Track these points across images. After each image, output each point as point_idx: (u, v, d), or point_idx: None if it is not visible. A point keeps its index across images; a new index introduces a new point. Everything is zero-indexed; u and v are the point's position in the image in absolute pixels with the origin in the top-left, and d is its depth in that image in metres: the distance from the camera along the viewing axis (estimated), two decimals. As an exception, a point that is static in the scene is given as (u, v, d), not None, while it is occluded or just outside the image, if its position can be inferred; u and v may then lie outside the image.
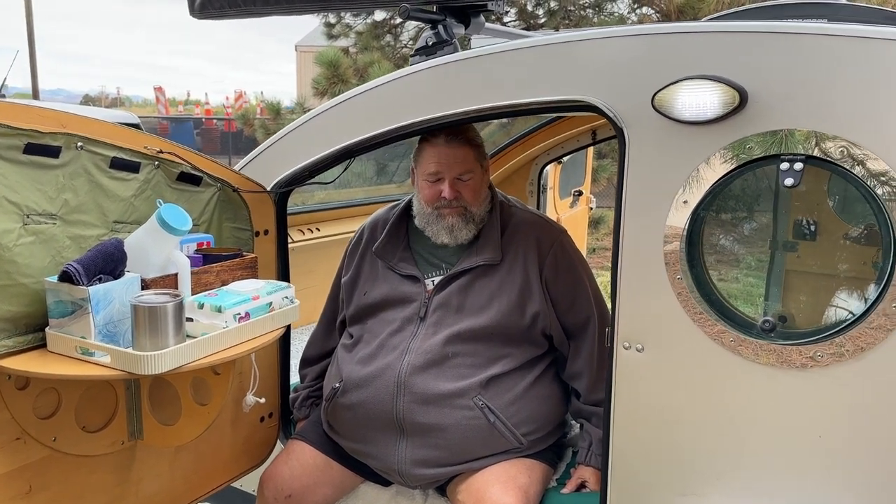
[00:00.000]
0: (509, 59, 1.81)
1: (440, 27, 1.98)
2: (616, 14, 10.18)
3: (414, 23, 10.32)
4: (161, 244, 1.72)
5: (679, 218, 1.63)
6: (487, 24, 2.16)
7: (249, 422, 2.30)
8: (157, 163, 1.89)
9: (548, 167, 3.81)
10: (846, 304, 1.50)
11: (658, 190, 1.64)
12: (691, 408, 1.66)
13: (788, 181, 1.50)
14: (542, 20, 10.21)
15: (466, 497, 1.96)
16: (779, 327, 1.53)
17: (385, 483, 2.22)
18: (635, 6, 10.19)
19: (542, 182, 3.76)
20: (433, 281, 2.16)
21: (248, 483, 2.55)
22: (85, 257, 1.60)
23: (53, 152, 1.64)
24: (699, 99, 1.56)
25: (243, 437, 2.29)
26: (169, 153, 1.90)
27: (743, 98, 1.51)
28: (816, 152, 1.47)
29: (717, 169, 1.58)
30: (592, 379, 2.12)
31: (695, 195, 1.61)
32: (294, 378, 2.55)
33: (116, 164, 1.78)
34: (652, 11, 9.86)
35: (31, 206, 1.61)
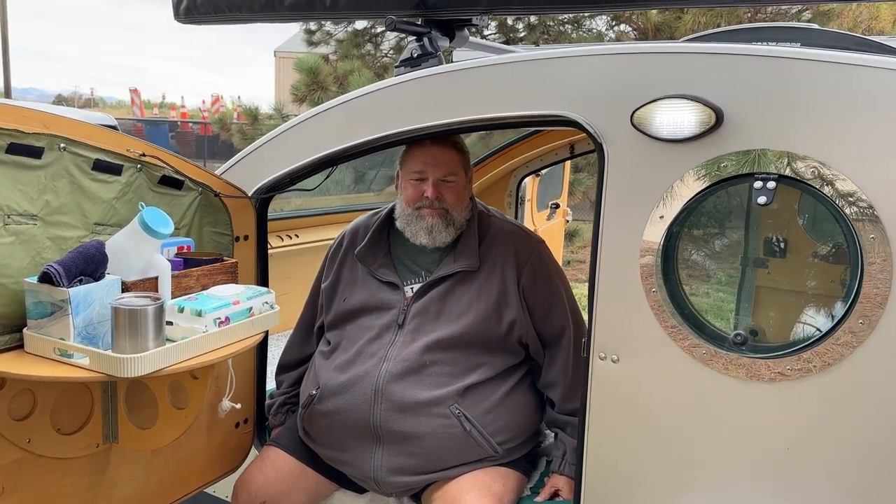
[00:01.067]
0: (493, 73, 1.85)
1: (425, 40, 2.01)
2: (594, 31, 10.33)
3: (395, 33, 10.39)
4: (142, 247, 1.72)
5: (655, 232, 1.67)
6: (471, 39, 2.20)
7: (225, 427, 2.29)
8: (139, 166, 1.89)
9: (526, 179, 3.85)
10: (814, 320, 1.55)
11: (635, 204, 1.68)
12: (664, 418, 1.70)
13: (761, 199, 1.55)
14: (522, 34, 10.31)
15: (441, 504, 1.97)
16: (750, 341, 1.57)
17: (360, 490, 2.23)
18: (613, 24, 10.35)
19: (520, 194, 3.80)
20: (412, 288, 2.18)
21: (222, 489, 2.54)
22: (66, 258, 1.60)
23: (36, 153, 1.64)
24: (677, 117, 1.60)
25: (218, 442, 2.28)
26: (151, 156, 1.91)
27: (719, 118, 1.56)
28: (788, 172, 1.52)
29: (692, 186, 1.62)
30: (567, 388, 2.15)
31: (670, 211, 1.65)
32: (270, 384, 2.55)
33: (99, 166, 1.78)
34: (629, 29, 10.02)
35: (11, 207, 1.60)
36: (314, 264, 2.47)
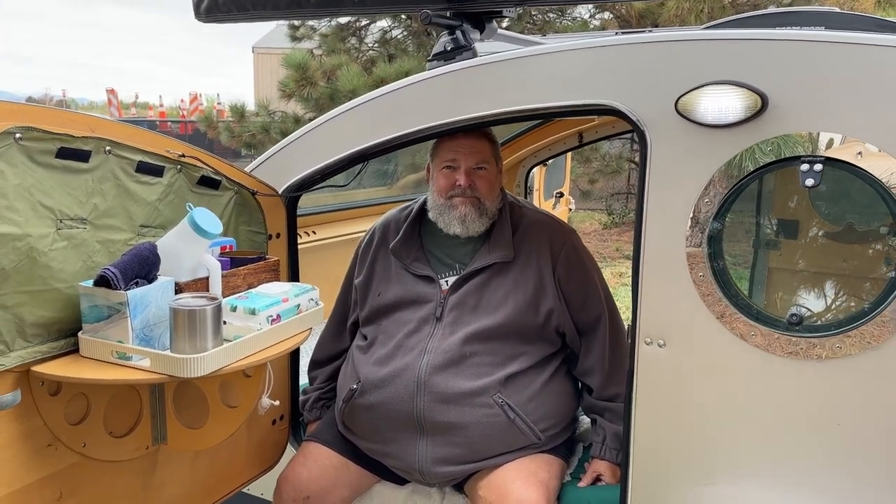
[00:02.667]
0: (532, 64, 1.86)
1: (458, 32, 2.02)
2: (579, 18, 10.37)
3: (379, 25, 10.34)
4: (193, 247, 1.72)
5: (701, 218, 1.69)
6: (500, 30, 2.21)
7: (262, 425, 2.30)
8: (179, 167, 1.89)
9: (534, 169, 3.87)
10: (864, 298, 1.58)
11: (680, 190, 1.71)
12: (713, 400, 1.73)
13: (809, 182, 1.58)
14: (506, 23, 10.29)
15: (488, 493, 1.99)
16: (804, 321, 1.60)
17: (401, 482, 2.24)
18: (596, 12, 10.40)
19: (528, 184, 3.82)
20: (447, 281, 2.19)
21: (256, 488, 2.55)
22: (121, 261, 1.60)
23: (84, 156, 1.63)
24: (722, 103, 1.63)
25: (257, 440, 2.29)
26: (190, 157, 1.90)
27: (764, 102, 1.59)
28: (834, 154, 1.55)
29: (738, 170, 1.65)
30: (605, 375, 2.18)
31: (716, 195, 1.68)
32: (303, 380, 2.55)
33: (142, 168, 1.78)
34: (613, 17, 10.07)
35: (63, 211, 1.59)
36: (335, 260, 2.49)
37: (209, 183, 1.99)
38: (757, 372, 1.67)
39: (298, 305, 1.85)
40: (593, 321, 2.21)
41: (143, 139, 1.80)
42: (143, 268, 1.62)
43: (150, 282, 1.64)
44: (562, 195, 4.62)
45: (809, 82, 1.57)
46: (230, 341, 1.65)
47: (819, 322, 1.62)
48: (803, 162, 1.59)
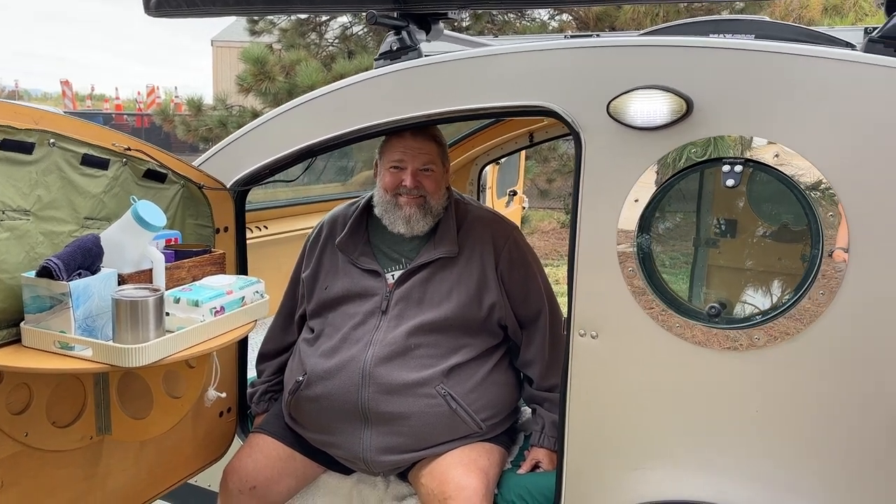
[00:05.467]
0: (474, 65, 1.93)
1: (404, 33, 2.07)
2: (538, 20, 10.49)
3: (339, 21, 10.32)
4: (136, 240, 1.75)
5: (631, 216, 1.78)
6: (446, 32, 2.27)
7: (209, 417, 2.33)
8: (124, 160, 1.90)
9: (487, 168, 3.95)
10: (780, 292, 1.69)
11: (612, 190, 1.79)
12: (641, 389, 1.81)
13: (729, 182, 1.68)
14: (467, 23, 10.39)
15: (430, 480, 2.05)
16: (722, 313, 1.70)
17: (347, 472, 2.29)
18: (555, 14, 10.53)
19: (481, 182, 3.89)
20: (393, 275, 2.25)
21: (204, 479, 2.57)
22: (64, 252, 1.62)
23: (27, 148, 1.64)
24: (650, 107, 1.71)
25: (203, 431, 2.31)
26: (136, 150, 1.92)
27: (690, 106, 1.68)
28: (754, 156, 1.65)
29: (665, 171, 1.73)
30: (544, 366, 2.26)
31: (645, 194, 1.76)
32: (250, 373, 2.58)
33: (87, 160, 1.79)
34: (571, 18, 10.21)
35: (5, 202, 1.61)
36: (283, 255, 2.52)
37: (155, 176, 2.01)
38: (682, 362, 1.76)
39: (243, 298, 1.88)
40: (534, 315, 2.29)
41: (88, 132, 1.81)
42: (86, 259, 1.64)
43: (93, 273, 1.66)
44: (515, 193, 4.70)
45: (732, 88, 1.66)
46: (173, 332, 1.68)
47: (737, 315, 1.72)
48: (724, 163, 1.68)
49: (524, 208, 5.05)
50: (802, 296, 1.62)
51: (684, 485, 1.80)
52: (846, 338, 1.59)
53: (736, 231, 1.78)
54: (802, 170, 1.61)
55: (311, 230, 2.49)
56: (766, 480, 1.71)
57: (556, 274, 7.34)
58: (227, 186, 2.28)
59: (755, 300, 1.73)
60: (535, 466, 2.21)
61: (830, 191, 1.58)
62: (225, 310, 1.81)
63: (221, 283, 1.86)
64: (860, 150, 1.55)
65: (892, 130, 1.52)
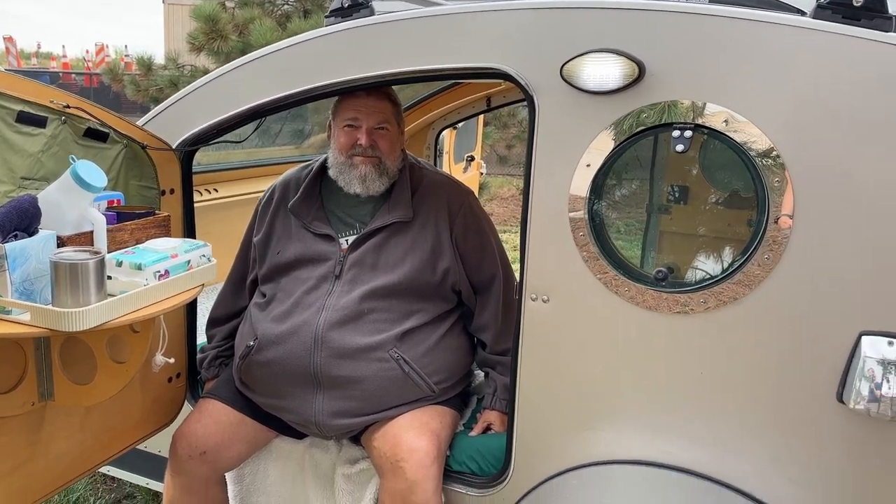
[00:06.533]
0: (426, 25, 1.89)
1: (355, -10, 2.01)
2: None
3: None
4: (75, 201, 1.69)
5: (583, 180, 1.78)
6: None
7: (158, 382, 2.29)
8: (63, 118, 1.83)
9: (444, 133, 3.91)
10: (727, 257, 1.71)
11: (564, 154, 1.79)
12: (591, 352, 1.84)
13: (679, 147, 1.69)
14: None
15: (382, 443, 2.06)
16: (669, 277, 1.72)
17: (299, 436, 2.29)
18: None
19: (438, 147, 3.86)
20: (347, 240, 2.22)
21: (154, 445, 2.55)
22: (-3, 213, 1.55)
23: (-43, 104, 1.56)
24: (603, 70, 1.70)
25: (152, 397, 2.28)
26: (76, 108, 1.85)
27: (641, 71, 1.67)
28: (703, 121, 1.66)
29: (616, 136, 1.73)
30: (498, 331, 2.28)
31: (597, 159, 1.76)
32: (200, 339, 2.55)
33: (23, 118, 1.72)
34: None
35: (-67, 160, 1.53)
36: (234, 219, 2.47)
37: (96, 135, 1.94)
38: (631, 326, 1.78)
39: (189, 262, 1.84)
40: (488, 280, 2.29)
41: (24, 88, 1.74)
42: (22, 220, 1.57)
43: (30, 235, 1.60)
44: (472, 159, 4.68)
45: (684, 52, 1.66)
46: (115, 297, 1.63)
47: (687, 280, 1.74)
48: (675, 128, 1.69)
49: (482, 174, 5.03)
50: (748, 260, 1.65)
51: (632, 445, 1.84)
52: (790, 302, 1.63)
53: (687, 197, 1.79)
54: (752, 137, 1.62)
55: (262, 194, 2.44)
56: (712, 441, 1.76)
57: (514, 240, 7.38)
58: (173, 147, 2.22)
59: (704, 265, 1.75)
60: (487, 428, 2.23)
61: (778, 157, 1.60)
62: (170, 274, 1.77)
63: (166, 247, 1.81)
64: (807, 116, 1.57)
65: (837, 97, 1.54)
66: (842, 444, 1.62)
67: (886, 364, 1.54)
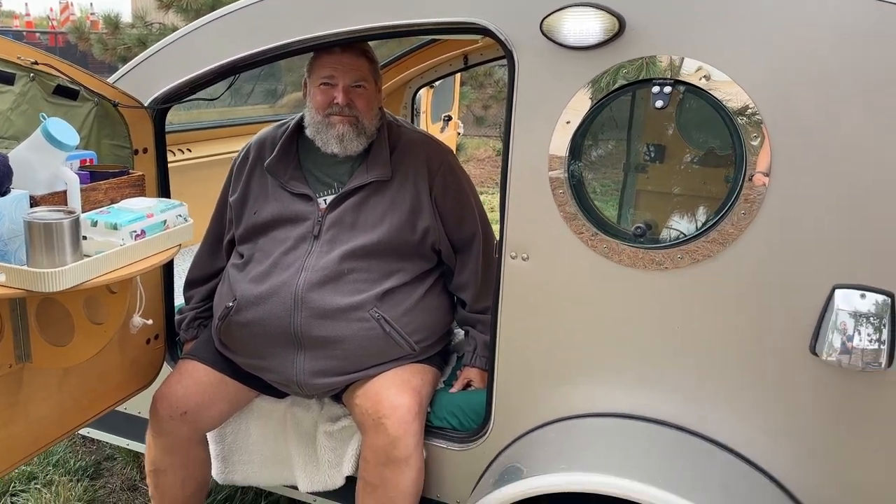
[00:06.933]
0: (404, -21, 1.85)
1: (331, -58, 1.96)
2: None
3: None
4: (47, 160, 1.65)
5: (563, 137, 1.77)
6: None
7: (136, 344, 2.28)
8: (32, 75, 1.78)
9: (420, 91, 3.87)
10: (704, 215, 1.73)
11: (544, 111, 1.78)
12: (570, 309, 1.85)
13: (658, 104, 1.69)
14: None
15: (364, 401, 2.08)
16: (648, 233, 1.74)
17: (280, 395, 2.30)
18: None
19: (415, 106, 3.82)
20: (325, 200, 2.21)
21: (133, 406, 2.55)
22: (-33, 172, 1.51)
23: (-80, 60, 1.51)
24: (583, 25, 1.69)
25: (130, 359, 2.27)
26: (45, 65, 1.79)
27: (622, 25, 1.66)
28: (683, 77, 1.66)
29: (595, 93, 1.73)
30: (477, 290, 2.29)
31: (577, 116, 1.76)
32: (178, 300, 2.53)
33: (-11, 74, 1.67)
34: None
35: None
36: (207, 179, 2.44)
37: (66, 93, 1.89)
38: (609, 282, 1.80)
39: (165, 221, 1.81)
40: (468, 239, 2.30)
41: (-12, 43, 1.68)
42: (-8, 180, 1.54)
43: (2, 195, 1.56)
44: (450, 118, 4.64)
45: (665, 8, 1.65)
46: (91, 257, 1.61)
47: (663, 237, 1.76)
48: (654, 84, 1.68)
49: (459, 134, 5.00)
50: (724, 218, 1.67)
51: (610, 399, 1.87)
52: (764, 258, 1.65)
53: (664, 155, 1.80)
54: (731, 94, 1.62)
55: (237, 153, 2.41)
56: (688, 393, 1.79)
57: (491, 202, 7.36)
58: (145, 105, 2.17)
59: (680, 223, 1.77)
60: (467, 385, 2.26)
61: (756, 115, 1.60)
62: (146, 233, 1.74)
63: (141, 206, 1.78)
64: (787, 74, 1.57)
65: (817, 54, 1.54)
66: (814, 395, 1.67)
67: (858, 316, 1.58)
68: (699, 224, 1.73)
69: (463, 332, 2.40)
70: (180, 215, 1.87)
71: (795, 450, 1.71)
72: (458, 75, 4.73)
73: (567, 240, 1.81)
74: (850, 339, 1.59)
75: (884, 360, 1.58)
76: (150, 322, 2.11)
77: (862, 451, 1.66)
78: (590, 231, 1.78)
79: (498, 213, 1.92)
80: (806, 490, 1.72)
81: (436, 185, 2.22)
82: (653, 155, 1.82)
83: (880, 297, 1.57)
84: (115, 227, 1.67)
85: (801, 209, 1.60)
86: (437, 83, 3.99)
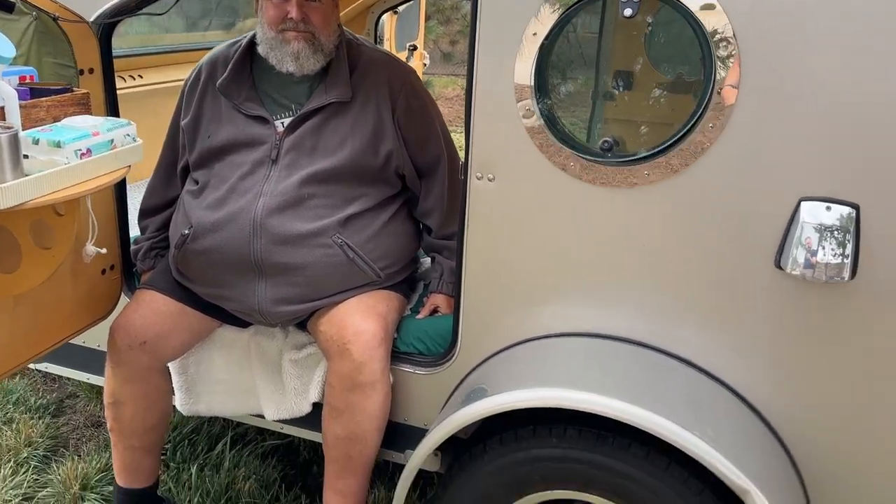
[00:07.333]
0: None
1: None
2: None
3: None
4: (-20, 73, 1.54)
5: (528, 51, 1.71)
6: None
7: (90, 274, 2.20)
8: (-41, -19, 1.65)
9: (384, 17, 3.73)
10: (671, 127, 1.68)
11: (509, 24, 1.70)
12: (536, 229, 1.82)
13: (627, 12, 1.62)
14: None
15: (328, 328, 2.04)
16: (615, 148, 1.70)
17: (243, 325, 2.25)
18: None
19: (378, 33, 3.69)
20: (283, 122, 2.12)
21: (92, 339, 2.49)
22: None
23: None
24: (550, -71, 1.61)
25: (85, 290, 2.19)
26: (-27, -29, 1.66)
27: (589, -71, 1.58)
28: (652, -15, 1.59)
29: (563, 1, 1.66)
30: (443, 215, 2.24)
31: (543, 27, 1.69)
32: (134, 231, 2.45)
33: (-89, -21, 1.54)
34: None
35: None
36: (161, 108, 2.33)
37: (1, 5, 1.76)
38: (576, 201, 1.76)
39: (112, 141, 1.72)
40: (433, 163, 2.24)
41: None
42: (-82, 92, 1.43)
43: (-69, 109, 1.46)
44: (415, 48, 4.51)
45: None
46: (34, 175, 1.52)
47: (629, 151, 1.72)
48: (622, -10, 1.62)
49: (425, 65, 4.87)
50: (692, 129, 1.63)
51: (577, 319, 1.86)
52: (733, 171, 1.63)
53: (634, 68, 1.74)
54: (701, 1, 1.56)
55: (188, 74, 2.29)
56: (653, 311, 1.79)
57: (458, 140, 7.27)
58: (89, 20, 2.04)
59: (649, 137, 1.73)
60: (434, 311, 2.24)
61: (728, 25, 1.55)
62: (92, 153, 1.65)
63: (86, 124, 1.69)
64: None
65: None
66: (780, 310, 1.67)
67: (823, 229, 1.57)
68: (668, 136, 1.68)
69: (429, 259, 2.37)
70: (128, 135, 1.78)
71: (761, 366, 1.72)
72: (423, 3, 4.57)
73: (533, 158, 1.76)
74: (814, 253, 1.59)
75: (847, 273, 1.58)
76: (103, 251, 2.04)
77: (825, 365, 1.67)
78: (556, 147, 1.73)
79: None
80: (771, 406, 1.74)
81: (398, 106, 2.14)
82: (620, 82, 1.77)
83: (846, 210, 1.56)
84: (58, 145, 1.58)
85: (771, 121, 1.57)
86: (400, 8, 3.85)
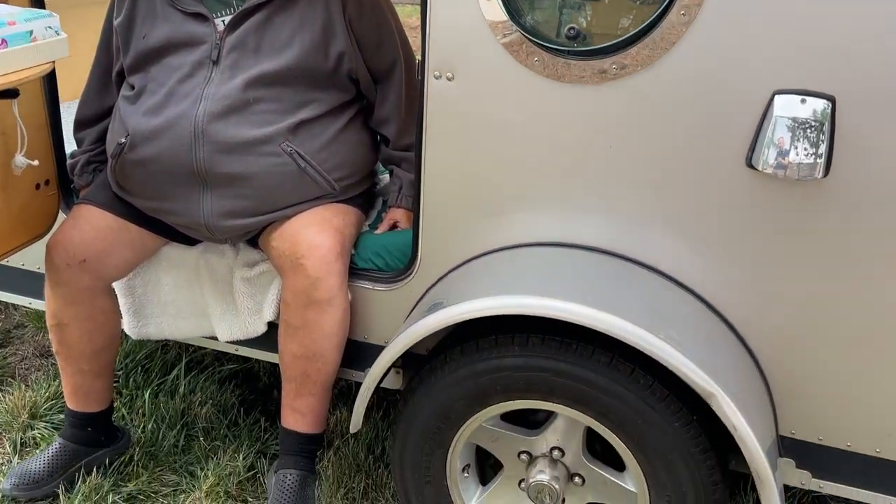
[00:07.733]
0: None
1: None
2: None
3: None
4: None
5: (489, -66, 1.57)
6: None
7: (23, 189, 2.05)
8: None
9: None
10: (642, 19, 1.57)
11: None
12: (498, 131, 1.72)
13: None
14: None
15: (281, 243, 1.93)
16: (582, 39, 1.58)
17: (191, 242, 2.13)
18: None
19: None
20: (224, 20, 1.96)
21: (31, 262, 2.35)
22: None
23: None
24: None
25: (18, 206, 2.04)
26: None
27: None
28: None
29: None
30: (400, 124, 2.12)
31: None
32: (71, 146, 2.29)
33: None
34: None
35: None
36: (95, 19, 2.16)
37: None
38: (540, 98, 1.66)
39: (31, 32, 1.56)
40: (388, 67, 2.10)
41: None
42: None
43: None
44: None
45: None
46: (-62, 67, 1.37)
47: (598, 43, 1.60)
48: None
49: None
50: (663, 16, 1.52)
51: (540, 228, 1.78)
52: (705, 62, 1.53)
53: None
54: None
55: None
56: (618, 217, 1.71)
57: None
58: None
59: (617, 27, 1.61)
60: (394, 226, 2.14)
61: None
62: (8, 43, 1.49)
63: (1, 13, 1.52)
64: None
65: None
66: (750, 210, 1.60)
67: (797, 124, 1.49)
68: (636, 27, 1.57)
69: (388, 172, 2.25)
70: (50, 27, 1.62)
71: (728, 269, 1.66)
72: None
73: (494, 52, 1.64)
74: (786, 152, 1.52)
75: (820, 171, 1.51)
76: (35, 163, 1.90)
77: (795, 266, 1.62)
78: (519, 41, 1.61)
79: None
80: (738, 310, 1.68)
81: (349, 4, 1.99)
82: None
83: (821, 103, 1.48)
84: (-34, 34, 1.42)
85: (744, 9, 1.47)
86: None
